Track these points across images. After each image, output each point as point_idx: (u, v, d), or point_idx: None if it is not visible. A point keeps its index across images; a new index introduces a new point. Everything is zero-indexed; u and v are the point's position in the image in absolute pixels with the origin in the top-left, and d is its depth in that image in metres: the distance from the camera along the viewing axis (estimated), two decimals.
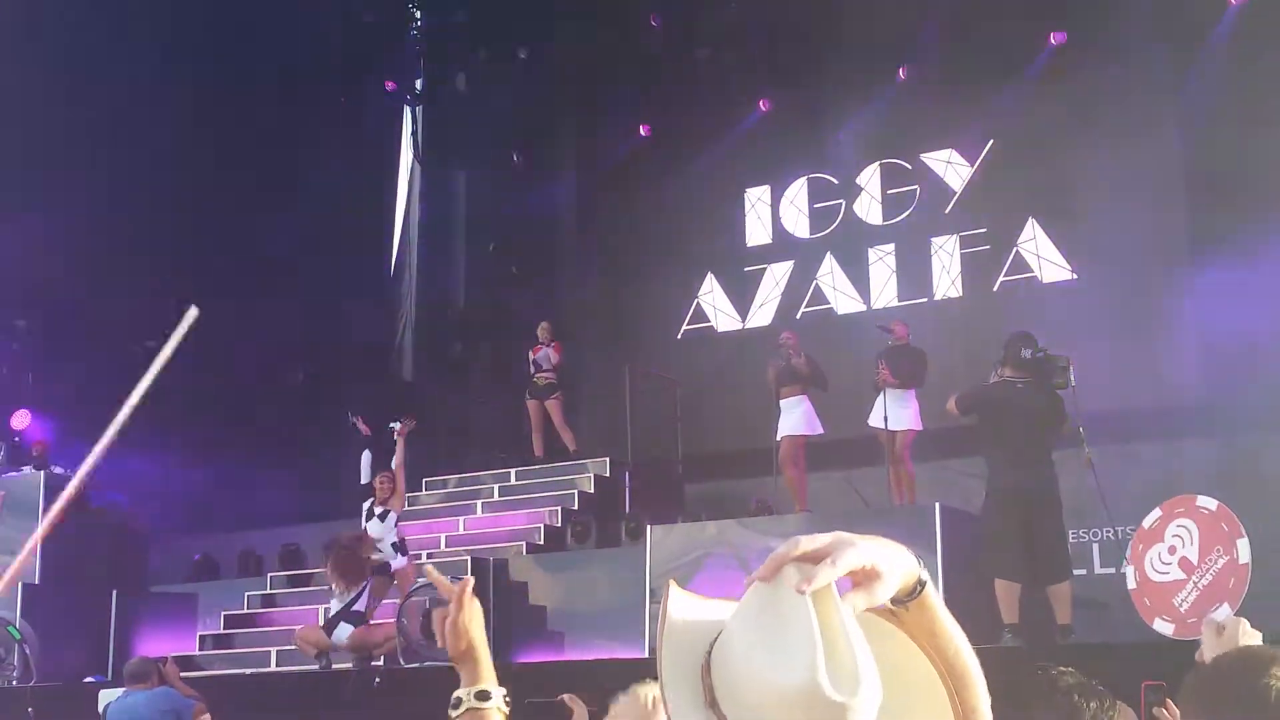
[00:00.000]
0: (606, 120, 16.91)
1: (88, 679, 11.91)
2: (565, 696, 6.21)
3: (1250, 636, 2.29)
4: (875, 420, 11.81)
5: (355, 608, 11.33)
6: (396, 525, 12.36)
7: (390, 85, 17.48)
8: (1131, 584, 2.86)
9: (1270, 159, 12.45)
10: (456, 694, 2.23)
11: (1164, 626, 2.74)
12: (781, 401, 12.48)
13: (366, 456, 13.69)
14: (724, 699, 1.55)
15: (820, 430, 12.44)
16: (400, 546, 12.28)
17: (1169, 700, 3.63)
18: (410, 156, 18.10)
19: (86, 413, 13.93)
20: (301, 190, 15.81)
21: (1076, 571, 9.69)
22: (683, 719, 1.58)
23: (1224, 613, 2.40)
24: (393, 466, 12.42)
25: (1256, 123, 12.73)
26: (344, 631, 11.28)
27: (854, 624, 1.52)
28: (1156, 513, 2.99)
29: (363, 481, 13.35)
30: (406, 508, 14.85)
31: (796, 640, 1.49)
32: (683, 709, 1.58)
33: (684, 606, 1.67)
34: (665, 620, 1.64)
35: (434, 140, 17.82)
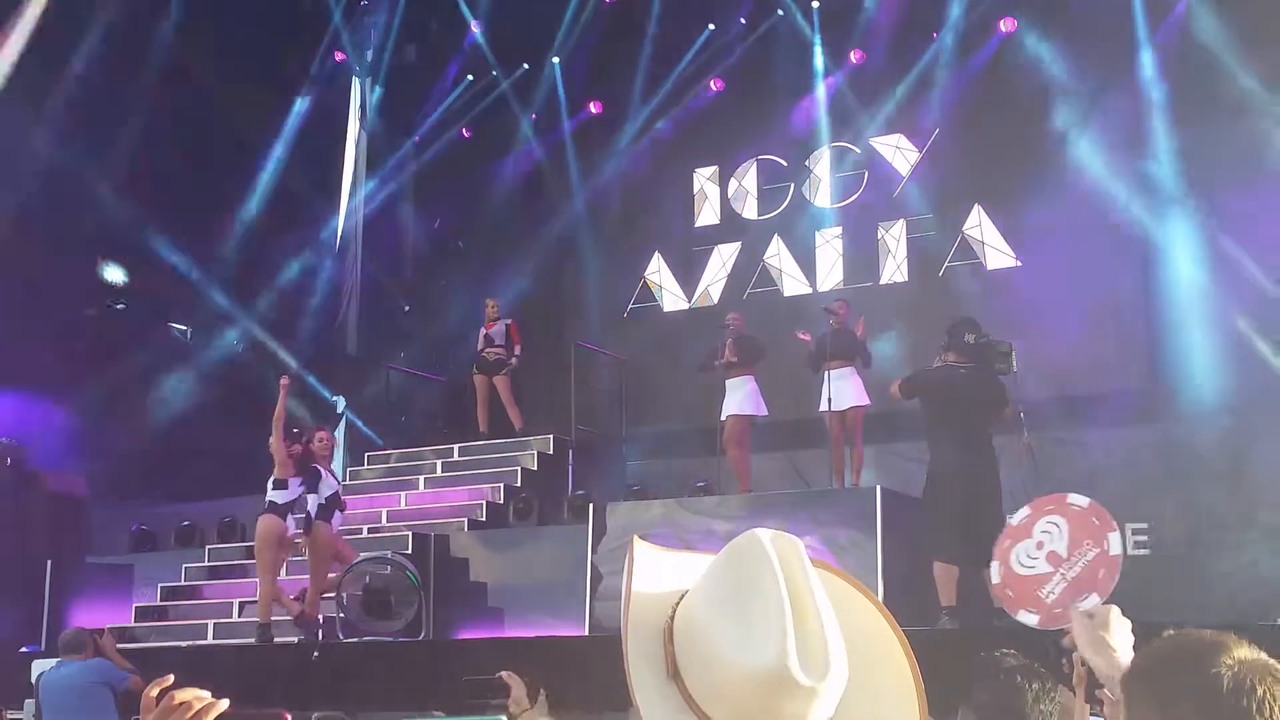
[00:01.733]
0: (556, 96, 16.84)
1: (22, 648, 11.77)
2: (503, 673, 6.21)
3: (1121, 625, 2.31)
4: (824, 405, 11.84)
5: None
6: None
7: (340, 56, 17.32)
8: (995, 579, 2.91)
9: (1216, 150, 12.58)
10: None
11: (1028, 618, 2.77)
12: (727, 381, 12.52)
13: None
14: (686, 669, 1.52)
15: (764, 411, 12.48)
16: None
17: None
18: (358, 128, 17.95)
19: (19, 379, 13.85)
20: (251, 161, 15.70)
21: None
22: (643, 689, 1.54)
23: (1092, 602, 2.42)
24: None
25: (1205, 113, 12.86)
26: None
27: (823, 595, 1.49)
28: (1025, 511, 3.02)
29: None
30: (348, 481, 14.80)
31: (767, 618, 1.45)
32: (643, 679, 1.54)
33: (648, 565, 1.63)
34: (630, 582, 1.60)
35: (383, 112, 17.68)
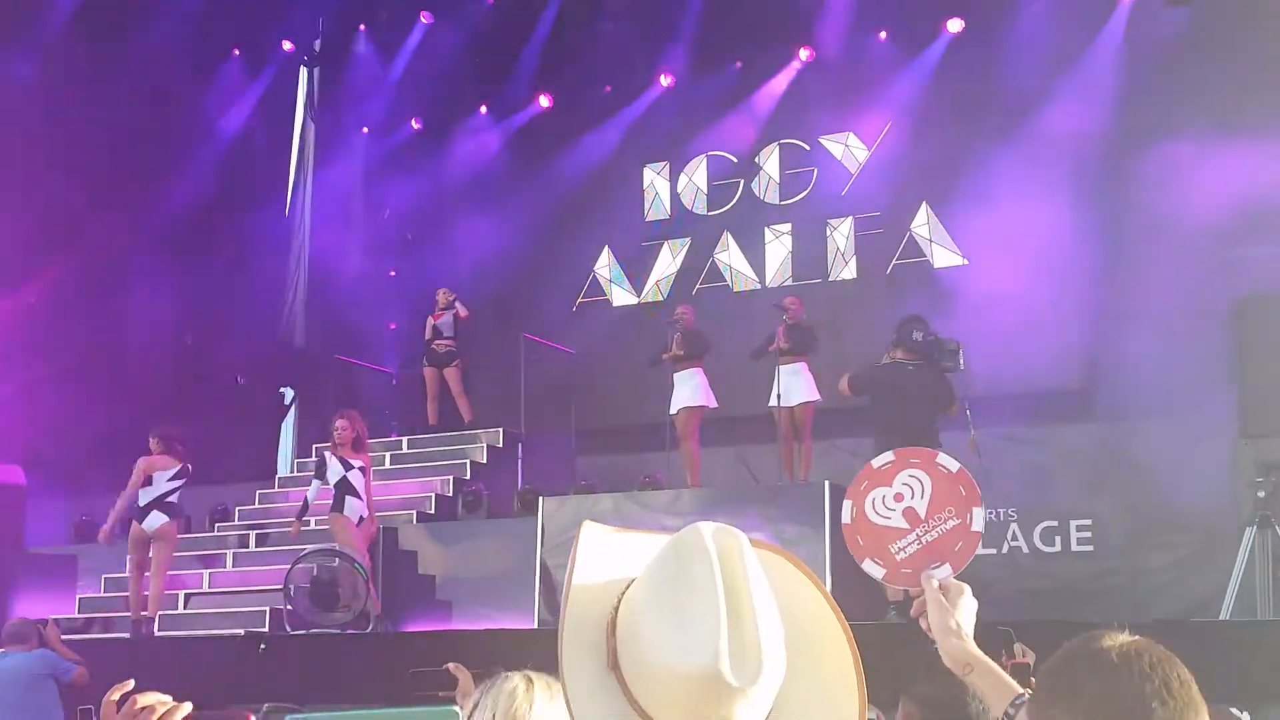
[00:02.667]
0: (506, 89, 16.80)
1: None
2: (451, 665, 6.23)
3: (970, 607, 2.35)
4: (774, 401, 11.90)
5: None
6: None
7: (288, 45, 17.19)
8: (846, 518, 2.95)
9: (1159, 152, 12.73)
10: None
11: (874, 569, 2.82)
12: (675, 375, 12.58)
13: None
14: (624, 661, 1.51)
15: (714, 403, 12.55)
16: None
17: (1032, 680, 3.75)
18: (305, 118, 17.83)
19: None
20: (199, 150, 15.58)
21: None
22: (576, 680, 1.52)
23: (944, 572, 2.47)
24: None
25: (1150, 112, 13.00)
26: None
27: (764, 591, 1.48)
28: (889, 456, 3.05)
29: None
30: (294, 473, 14.75)
31: (701, 617, 1.44)
32: (579, 668, 1.53)
33: (597, 550, 1.60)
34: (571, 569, 1.57)
35: (330, 102, 17.57)
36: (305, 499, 11.75)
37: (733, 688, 1.42)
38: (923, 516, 3.07)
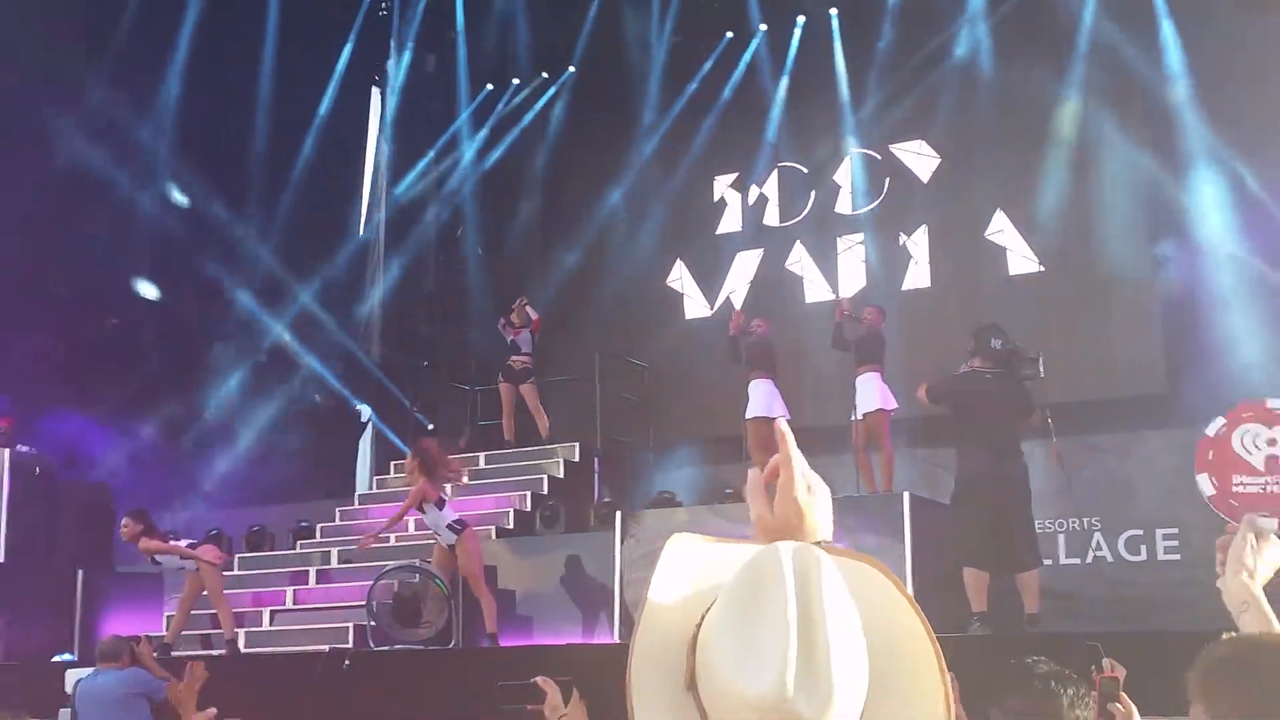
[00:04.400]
0: (575, 105, 16.89)
1: (54, 658, 11.85)
2: (539, 679, 6.27)
3: (1273, 556, 2.34)
4: (854, 415, 11.86)
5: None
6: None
7: (358, 64, 17.40)
8: (1212, 431, 2.87)
9: (1248, 149, 12.56)
10: None
11: (1206, 485, 2.73)
12: (748, 386, 12.59)
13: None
14: (702, 684, 1.48)
15: (786, 414, 12.50)
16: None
17: (1123, 694, 3.71)
18: (378, 137, 18.04)
19: (46, 391, 13.94)
20: (276, 168, 15.81)
21: (1042, 561, 9.81)
22: (645, 699, 1.49)
23: (1270, 524, 2.43)
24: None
25: (1223, 114, 12.85)
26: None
27: (843, 613, 1.44)
28: (1220, 420, 2.96)
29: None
30: (373, 490, 14.89)
31: (772, 642, 1.41)
32: (650, 688, 1.50)
33: (682, 565, 1.58)
34: (653, 584, 1.55)
35: (402, 121, 17.76)
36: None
37: (801, 716, 1.39)
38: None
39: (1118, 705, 3.78)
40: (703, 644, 1.49)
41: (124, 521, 11.68)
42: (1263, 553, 2.30)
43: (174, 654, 11.14)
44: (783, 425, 1.78)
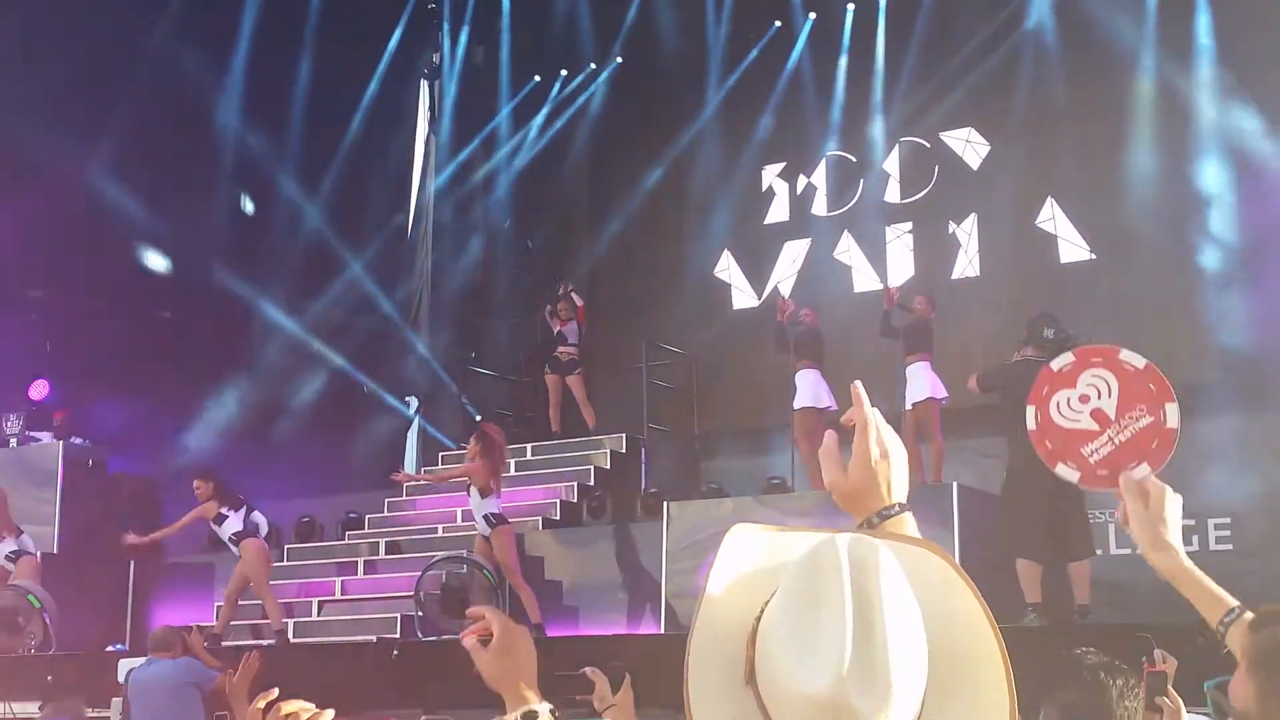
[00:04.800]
0: (618, 97, 16.86)
1: (108, 648, 11.97)
2: (588, 670, 6.27)
3: (1174, 503, 2.28)
4: (905, 404, 11.79)
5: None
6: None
7: (407, 56, 17.44)
8: (1031, 424, 2.87)
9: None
10: None
11: (1068, 472, 2.73)
12: (795, 376, 12.52)
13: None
14: (761, 678, 1.46)
15: (832, 404, 12.39)
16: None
17: (1170, 689, 3.66)
18: (426, 129, 18.08)
19: (101, 382, 14.08)
20: (321, 160, 15.88)
21: (1095, 551, 9.71)
22: (702, 693, 1.48)
23: (1143, 472, 2.37)
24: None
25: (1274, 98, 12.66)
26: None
27: (903, 605, 1.41)
28: (1069, 357, 2.94)
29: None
30: (421, 481, 14.93)
31: (828, 636, 1.39)
32: (708, 681, 1.48)
33: (741, 557, 1.55)
34: (710, 577, 1.53)
35: (451, 114, 17.79)
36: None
37: (858, 711, 1.37)
38: (1113, 417, 2.95)
39: (1165, 700, 3.72)
40: (762, 637, 1.47)
41: (195, 483, 11.76)
42: (1164, 511, 2.22)
43: (224, 644, 11.21)
44: (859, 387, 1.82)
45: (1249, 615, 2.07)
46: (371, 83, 16.86)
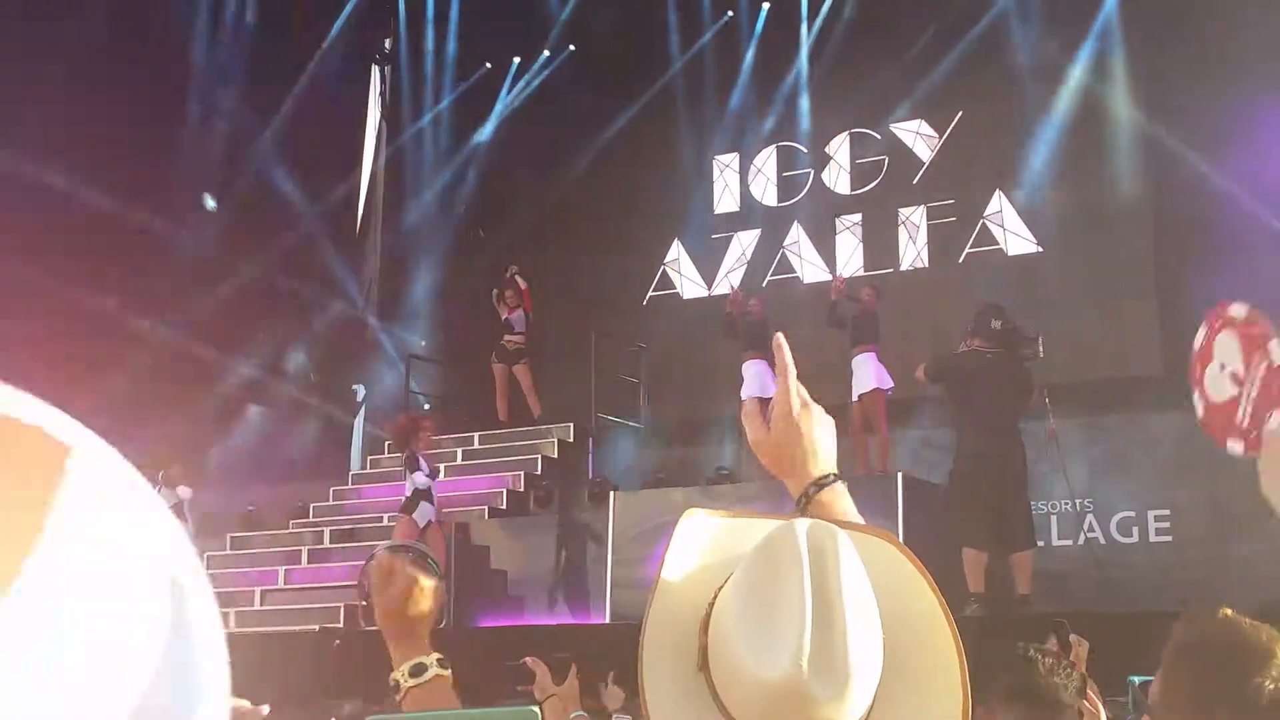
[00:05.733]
0: (574, 85, 16.79)
1: None
2: (528, 659, 6.24)
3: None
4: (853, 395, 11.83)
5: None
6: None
7: (357, 41, 17.32)
8: (1199, 413, 2.87)
9: (1237, 128, 12.49)
10: (392, 676, 2.06)
11: (1235, 446, 2.73)
12: (743, 365, 12.54)
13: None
14: (714, 665, 1.44)
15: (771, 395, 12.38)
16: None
17: (1090, 694, 3.75)
18: (377, 114, 17.98)
19: (42, 372, 13.91)
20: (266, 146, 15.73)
21: (1037, 543, 9.77)
22: (656, 679, 1.46)
23: (1277, 420, 2.33)
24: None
25: (1217, 91, 12.73)
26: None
27: (859, 589, 1.40)
28: (1202, 331, 2.93)
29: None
30: (367, 469, 14.85)
31: (786, 622, 1.37)
32: (660, 668, 1.46)
33: (696, 541, 1.54)
34: (662, 564, 1.51)
35: (399, 99, 17.70)
36: (414, 490, 11.61)
37: (817, 699, 1.35)
38: (1242, 374, 2.89)
39: (1084, 703, 3.80)
40: (715, 623, 1.45)
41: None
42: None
43: None
44: (780, 338, 1.76)
45: None
46: (315, 66, 16.65)
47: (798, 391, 1.73)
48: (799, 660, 1.34)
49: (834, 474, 1.71)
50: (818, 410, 1.75)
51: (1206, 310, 2.74)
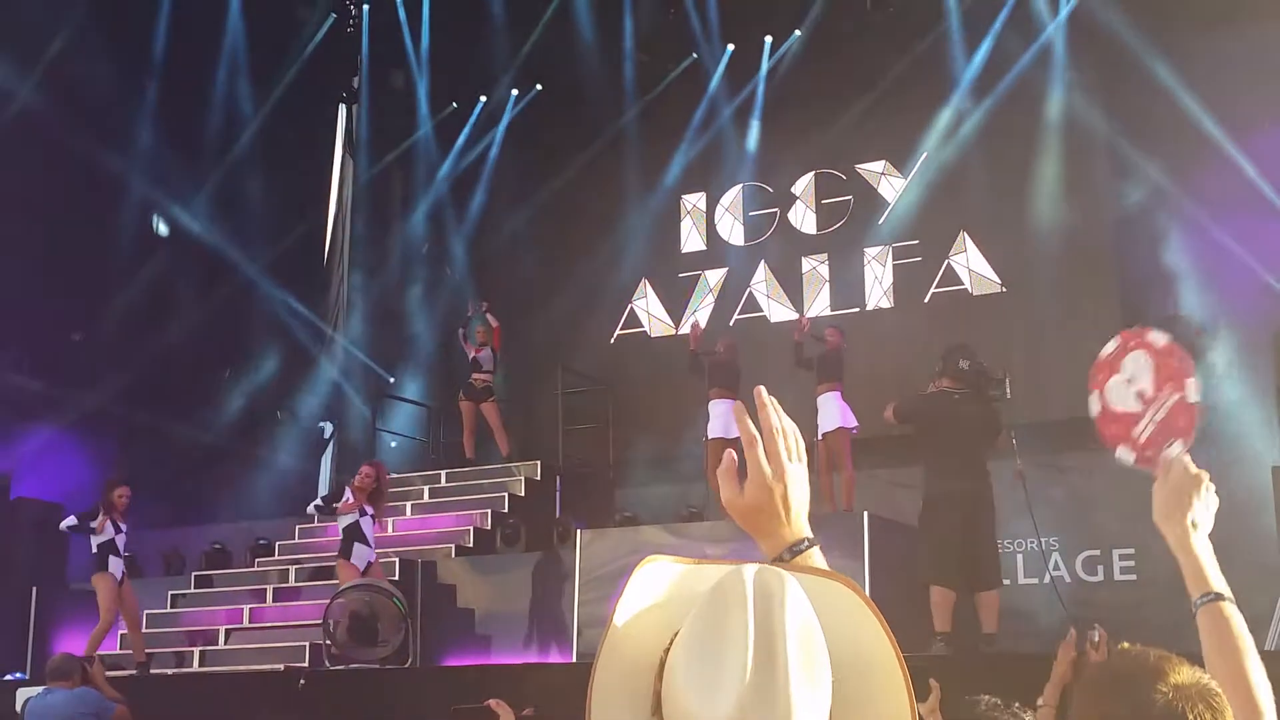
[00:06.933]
0: (539, 123, 16.84)
1: (7, 676, 11.70)
2: (491, 701, 6.21)
3: (1209, 498, 2.34)
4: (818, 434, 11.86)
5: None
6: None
7: (324, 80, 17.34)
8: (1094, 410, 2.94)
9: (1201, 174, 12.65)
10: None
11: (1126, 454, 2.78)
12: (709, 405, 12.56)
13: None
14: (666, 710, 1.46)
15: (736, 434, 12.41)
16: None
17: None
18: (343, 152, 17.99)
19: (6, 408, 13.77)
20: (236, 183, 15.70)
21: (1003, 582, 9.79)
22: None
23: (1178, 449, 2.43)
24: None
25: (1180, 128, 12.87)
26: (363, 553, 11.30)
27: (802, 632, 1.42)
28: (1113, 342, 3.00)
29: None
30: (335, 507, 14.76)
31: (729, 666, 1.39)
32: (612, 714, 1.48)
33: (650, 589, 1.55)
34: (615, 611, 1.52)
35: (367, 137, 17.71)
36: (343, 531, 11.64)
37: None
38: (1150, 395, 2.97)
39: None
40: (669, 670, 1.46)
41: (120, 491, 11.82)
42: (1195, 501, 2.27)
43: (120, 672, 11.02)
44: (764, 393, 1.77)
45: (1223, 604, 2.16)
46: (280, 104, 16.65)
47: (773, 457, 1.73)
48: (740, 700, 1.36)
49: (808, 539, 1.72)
50: (792, 469, 1.75)
51: (1124, 330, 2.84)
